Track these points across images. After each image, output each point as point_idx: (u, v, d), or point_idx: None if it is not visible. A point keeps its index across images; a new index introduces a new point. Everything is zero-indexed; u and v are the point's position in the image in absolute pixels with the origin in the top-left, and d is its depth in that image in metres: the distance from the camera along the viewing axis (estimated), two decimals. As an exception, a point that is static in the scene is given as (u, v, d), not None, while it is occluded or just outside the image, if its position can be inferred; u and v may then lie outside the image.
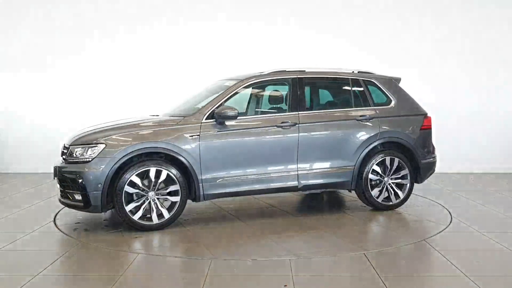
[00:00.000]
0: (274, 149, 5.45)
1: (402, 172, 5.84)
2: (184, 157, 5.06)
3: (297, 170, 5.51)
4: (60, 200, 5.28)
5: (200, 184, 5.14)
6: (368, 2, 9.05)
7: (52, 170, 5.24)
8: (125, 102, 8.96)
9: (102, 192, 4.84)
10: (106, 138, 5.03)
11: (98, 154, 4.91)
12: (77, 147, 5.06)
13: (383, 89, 6.02)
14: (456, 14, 9.01)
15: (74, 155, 5.05)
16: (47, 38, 9.22)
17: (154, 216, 4.99)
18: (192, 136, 5.13)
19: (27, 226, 5.24)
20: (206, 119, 5.24)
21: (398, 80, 6.25)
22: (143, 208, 4.96)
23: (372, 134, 5.72)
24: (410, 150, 5.88)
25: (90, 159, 4.91)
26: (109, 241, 4.71)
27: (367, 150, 5.71)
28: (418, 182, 6.06)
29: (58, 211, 5.93)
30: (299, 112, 5.57)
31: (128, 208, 4.91)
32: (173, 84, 8.79)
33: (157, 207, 5.00)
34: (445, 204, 6.24)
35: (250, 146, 5.38)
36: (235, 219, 5.60)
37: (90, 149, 4.97)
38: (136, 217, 4.94)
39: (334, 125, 5.67)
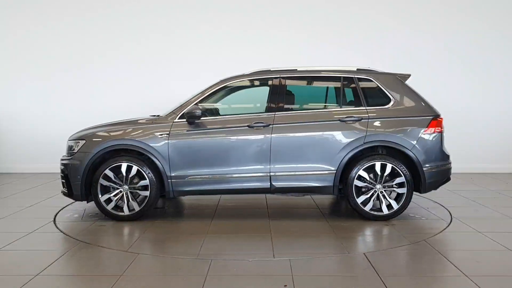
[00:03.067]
0: (245, 149, 5.40)
1: (398, 180, 5.33)
2: (153, 155, 5.37)
3: (270, 172, 5.37)
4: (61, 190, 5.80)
5: (169, 181, 5.39)
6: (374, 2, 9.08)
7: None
8: (128, 104, 8.96)
9: (81, 183, 5.39)
10: (87, 134, 5.59)
11: (79, 149, 5.49)
12: (71, 142, 5.67)
13: (382, 87, 5.52)
14: (461, 14, 9.03)
15: (69, 149, 5.63)
16: (50, 39, 9.24)
17: (125, 207, 5.40)
18: (162, 134, 5.40)
19: (27, 226, 5.24)
20: (179, 118, 5.47)
21: (404, 77, 5.67)
22: (116, 200, 5.39)
23: (357, 137, 5.32)
24: (408, 156, 5.36)
25: (75, 153, 5.48)
26: (109, 241, 4.71)
27: (351, 153, 5.33)
28: (420, 192, 5.49)
29: (58, 211, 5.93)
30: (275, 113, 5.44)
31: (102, 198, 5.38)
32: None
33: (128, 200, 5.38)
34: (445, 204, 6.24)
35: (220, 145, 5.42)
36: (208, 217, 5.67)
37: (77, 144, 5.54)
38: (109, 207, 5.39)
39: (312, 126, 5.39)
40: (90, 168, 5.41)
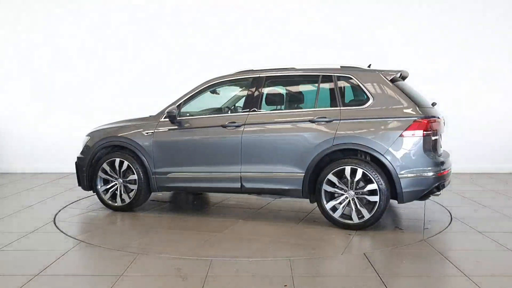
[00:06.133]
0: (218, 149, 5.43)
1: (369, 187, 4.85)
2: (140, 151, 5.71)
3: (240, 172, 5.32)
4: None
5: (153, 177, 5.69)
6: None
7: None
8: (128, 104, 8.96)
9: (86, 174, 5.94)
10: (92, 131, 6.17)
11: (86, 144, 6.06)
12: (84, 138, 6.17)
13: (362, 86, 5.09)
14: (462, 10, 9.05)
15: (83, 144, 6.13)
16: (50, 39, 9.24)
17: (118, 199, 5.84)
18: (147, 133, 5.72)
19: (27, 226, 5.24)
20: (164, 118, 5.69)
21: (390, 74, 5.13)
22: (111, 192, 5.85)
23: (326, 139, 4.98)
24: (381, 161, 4.85)
25: (83, 148, 6.04)
26: (109, 241, 4.71)
27: (319, 156, 5.00)
28: (399, 202, 4.92)
29: (58, 211, 5.94)
30: (249, 113, 5.38)
31: (101, 189, 5.89)
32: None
33: (120, 193, 5.81)
34: (445, 204, 6.23)
35: (195, 145, 5.54)
36: (191, 213, 5.95)
37: (86, 140, 6.09)
38: (106, 197, 5.88)
39: (282, 127, 5.23)
40: (93, 162, 5.94)
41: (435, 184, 4.88)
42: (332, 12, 9.07)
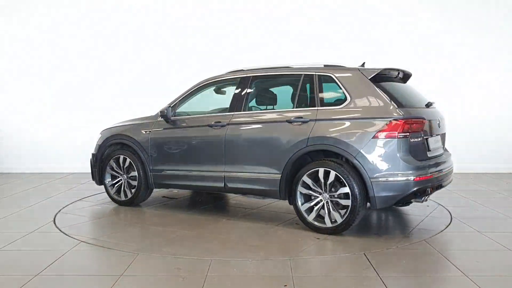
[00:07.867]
0: (205, 148, 5.54)
1: (342, 190, 4.66)
2: (139, 149, 5.98)
3: (224, 172, 5.36)
4: None
5: (150, 174, 5.95)
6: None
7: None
8: (128, 104, 8.96)
9: (97, 170, 6.32)
10: (104, 130, 6.49)
11: (97, 141, 6.42)
12: (99, 135, 6.50)
13: (340, 85, 4.90)
14: (462, 8, 9.05)
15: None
16: (50, 39, 9.24)
17: (122, 194, 6.17)
18: (146, 131, 5.98)
19: (27, 226, 5.24)
20: (161, 117, 5.89)
21: (372, 72, 4.89)
22: (116, 187, 6.24)
23: (300, 140, 4.85)
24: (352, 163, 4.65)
25: (96, 145, 6.41)
26: (109, 241, 4.71)
27: (294, 157, 4.89)
28: (371, 207, 4.69)
29: (58, 211, 5.94)
30: (234, 113, 5.41)
31: (108, 184, 6.29)
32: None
33: (124, 188, 6.14)
34: (445, 204, 6.23)
35: (184, 143, 5.71)
36: (184, 210, 6.03)
37: (98, 138, 6.46)
38: (112, 192, 6.27)
39: (261, 127, 5.18)
40: (102, 158, 6.32)
41: (412, 190, 4.53)
42: (332, 12, 9.07)
